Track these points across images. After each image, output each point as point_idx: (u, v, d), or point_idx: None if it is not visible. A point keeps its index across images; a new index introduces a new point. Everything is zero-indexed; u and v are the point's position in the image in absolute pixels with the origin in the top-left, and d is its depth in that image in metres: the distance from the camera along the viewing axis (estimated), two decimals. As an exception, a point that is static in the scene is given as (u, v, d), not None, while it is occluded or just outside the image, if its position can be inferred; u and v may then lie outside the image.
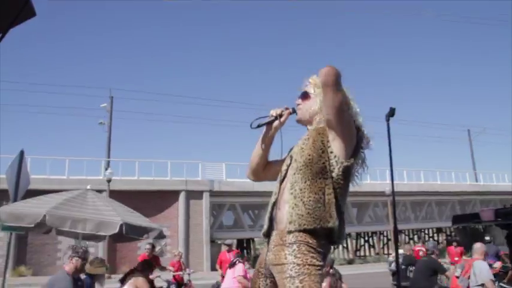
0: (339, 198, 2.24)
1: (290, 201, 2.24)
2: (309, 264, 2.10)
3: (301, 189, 2.22)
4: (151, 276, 9.03)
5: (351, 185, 2.36)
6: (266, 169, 2.55)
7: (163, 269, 10.74)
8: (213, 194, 27.85)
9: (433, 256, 7.71)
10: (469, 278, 6.10)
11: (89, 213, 6.53)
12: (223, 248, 10.75)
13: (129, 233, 6.51)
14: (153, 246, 10.28)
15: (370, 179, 32.38)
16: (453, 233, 40.57)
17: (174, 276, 10.86)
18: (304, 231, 2.16)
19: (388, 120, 3.02)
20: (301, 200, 2.20)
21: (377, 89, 74.43)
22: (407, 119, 40.22)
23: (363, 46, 76.49)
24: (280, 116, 2.39)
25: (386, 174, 34.02)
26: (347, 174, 2.29)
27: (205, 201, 27.34)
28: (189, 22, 67.78)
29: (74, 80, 52.02)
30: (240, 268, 7.50)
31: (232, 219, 32.26)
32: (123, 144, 54.73)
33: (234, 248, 10.79)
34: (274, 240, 2.26)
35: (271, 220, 2.35)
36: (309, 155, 2.27)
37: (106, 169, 24.89)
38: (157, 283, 9.56)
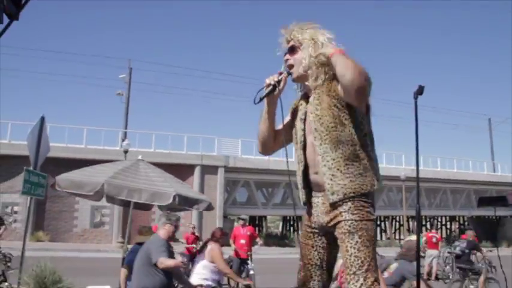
0: (373, 148, 2.28)
1: (327, 173, 2.21)
2: (366, 220, 2.14)
3: (334, 159, 2.20)
4: None
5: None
6: (276, 139, 2.50)
7: (176, 241, 10.87)
8: (228, 169, 27.99)
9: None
10: None
11: (142, 183, 6.67)
12: (237, 223, 10.81)
13: (182, 204, 6.68)
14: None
15: (386, 163, 32.17)
16: (466, 222, 40.32)
17: (187, 248, 10.99)
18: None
19: (416, 98, 2.92)
20: (338, 169, 2.19)
21: (397, 73, 73.25)
22: (426, 104, 39.53)
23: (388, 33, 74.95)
24: (278, 82, 2.32)
25: (402, 159, 33.85)
26: (369, 119, 2.32)
27: (220, 176, 27.49)
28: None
29: (94, 50, 52.19)
30: None
31: (246, 196, 32.46)
32: (140, 116, 55.12)
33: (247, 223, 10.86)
34: (322, 202, 2.27)
35: (308, 187, 2.34)
36: (330, 123, 2.22)
37: (123, 140, 25.12)
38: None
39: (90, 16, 57.31)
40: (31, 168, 7.07)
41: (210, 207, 7.51)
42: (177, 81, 73.23)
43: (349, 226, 2.13)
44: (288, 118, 2.50)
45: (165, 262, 4.66)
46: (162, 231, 5.06)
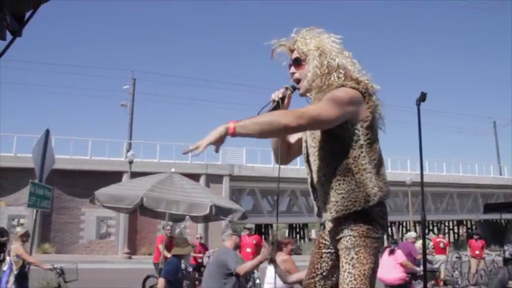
0: (372, 159, 2.14)
1: (320, 190, 2.19)
2: (365, 236, 2.06)
3: (325, 176, 2.16)
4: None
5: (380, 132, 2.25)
6: (291, 150, 2.48)
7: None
8: (233, 178, 27.96)
9: None
10: None
11: (179, 195, 6.86)
12: (244, 232, 10.78)
13: (217, 214, 6.81)
14: (173, 228, 10.41)
15: (391, 168, 32.04)
16: (474, 226, 40.03)
17: (194, 257, 10.95)
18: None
19: (418, 105, 2.93)
20: (330, 186, 2.14)
21: (401, 77, 73.23)
22: (429, 109, 39.44)
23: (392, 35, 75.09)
24: (283, 99, 2.24)
25: (408, 164, 33.72)
26: (371, 130, 2.17)
27: (225, 185, 27.48)
28: (212, 5, 67.50)
29: (97, 62, 52.62)
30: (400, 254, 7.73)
31: (251, 204, 32.39)
32: (144, 126, 55.30)
33: (253, 232, 10.83)
34: (328, 218, 2.24)
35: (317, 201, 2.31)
36: (321, 137, 2.19)
37: (128, 151, 25.19)
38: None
39: (89, 28, 57.69)
40: (36, 180, 7.11)
41: (244, 216, 7.67)
42: (179, 91, 73.48)
43: (347, 242, 2.08)
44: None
45: (244, 269, 4.90)
46: (229, 242, 5.27)
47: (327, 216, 2.16)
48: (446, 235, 35.55)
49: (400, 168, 33.25)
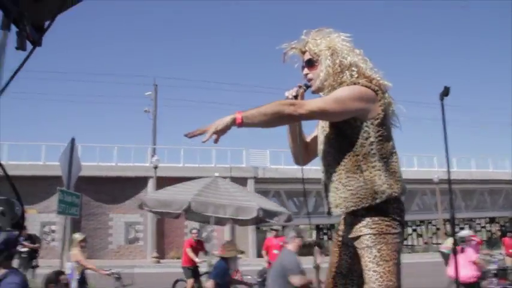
0: (382, 157, 2.14)
1: (331, 186, 2.21)
2: (385, 233, 2.07)
3: (336, 172, 2.18)
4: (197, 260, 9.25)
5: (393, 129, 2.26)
6: (308, 149, 2.48)
7: (207, 253, 10.91)
8: (257, 180, 27.98)
9: None
10: None
11: (224, 198, 7.02)
12: (270, 234, 10.78)
13: (264, 217, 6.91)
14: (199, 231, 10.48)
15: (418, 166, 31.53)
16: (507, 223, 38.98)
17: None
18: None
19: (442, 100, 2.85)
20: (340, 182, 2.16)
21: (423, 73, 72.07)
22: (454, 104, 38.70)
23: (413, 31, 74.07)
24: (296, 97, 2.28)
25: (435, 161, 33.11)
26: (382, 127, 2.17)
27: (250, 188, 27.51)
28: (234, 8, 67.77)
29: (119, 70, 53.39)
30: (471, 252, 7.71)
31: (277, 206, 32.35)
32: (168, 131, 55.86)
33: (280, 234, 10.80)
34: (344, 217, 2.27)
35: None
36: (331, 134, 2.21)
37: (152, 156, 25.50)
38: (202, 268, 9.73)
39: (112, 36, 58.53)
40: (64, 188, 7.25)
41: (289, 219, 7.69)
42: (203, 95, 73.93)
43: (367, 240, 2.08)
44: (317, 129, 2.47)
45: (292, 280, 4.87)
46: (292, 244, 5.29)
47: (337, 211, 2.18)
48: (478, 233, 34.71)
49: (427, 165, 32.70)
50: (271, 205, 7.69)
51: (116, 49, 59.87)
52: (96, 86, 59.64)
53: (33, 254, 10.31)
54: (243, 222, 8.98)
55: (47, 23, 1.81)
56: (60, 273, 5.01)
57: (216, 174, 8.24)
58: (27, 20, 1.81)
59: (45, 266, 10.54)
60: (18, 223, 1.58)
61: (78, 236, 7.18)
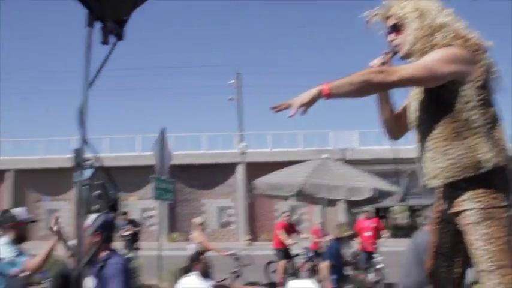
0: (486, 122, 1.94)
1: (427, 155, 2.03)
2: (492, 207, 1.87)
3: (432, 140, 2.00)
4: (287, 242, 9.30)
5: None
6: (400, 121, 2.30)
7: (299, 235, 10.93)
8: (347, 162, 27.41)
9: None
10: None
11: (336, 180, 6.97)
12: (361, 216, 10.56)
13: (379, 197, 6.90)
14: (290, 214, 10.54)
15: None
16: None
17: (314, 242, 10.92)
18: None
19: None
20: (437, 151, 1.98)
21: None
22: None
23: None
24: (383, 64, 2.14)
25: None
26: (484, 90, 1.97)
27: (338, 170, 27.15)
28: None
29: (200, 61, 54.65)
30: None
31: (368, 188, 31.63)
32: (256, 117, 56.60)
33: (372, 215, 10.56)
34: (442, 191, 2.08)
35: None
36: (426, 100, 2.04)
37: (240, 142, 26.04)
38: (294, 250, 9.80)
39: (189, 27, 59.79)
40: (158, 175, 7.67)
41: (403, 199, 7.57)
42: (288, 80, 73.86)
43: (472, 216, 1.87)
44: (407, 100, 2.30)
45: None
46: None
47: (435, 183, 1.99)
48: None
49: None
50: (384, 185, 7.40)
51: (195, 40, 61.43)
52: (182, 78, 61.85)
53: (135, 237, 11.02)
54: (356, 203, 8.78)
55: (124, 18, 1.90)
56: (201, 253, 5.40)
57: (325, 155, 8.09)
58: (109, 16, 1.90)
59: (146, 248, 11.25)
60: (114, 206, 1.72)
61: (198, 220, 7.66)
